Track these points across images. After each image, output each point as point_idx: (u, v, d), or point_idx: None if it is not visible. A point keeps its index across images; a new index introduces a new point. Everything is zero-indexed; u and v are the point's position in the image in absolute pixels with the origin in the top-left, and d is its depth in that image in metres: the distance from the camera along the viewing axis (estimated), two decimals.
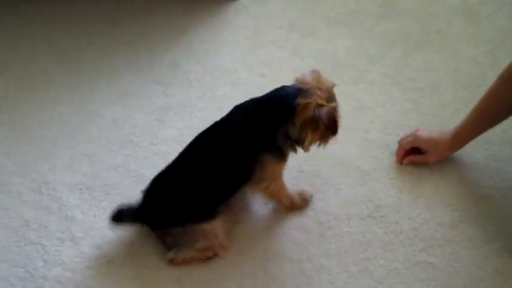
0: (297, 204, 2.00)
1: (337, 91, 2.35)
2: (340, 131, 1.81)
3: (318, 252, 1.91)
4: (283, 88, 1.84)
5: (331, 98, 1.81)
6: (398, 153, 2.12)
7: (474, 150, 2.12)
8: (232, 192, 1.93)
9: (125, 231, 1.98)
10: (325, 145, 1.89)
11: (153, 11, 2.89)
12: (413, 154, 2.09)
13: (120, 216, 1.91)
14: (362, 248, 1.89)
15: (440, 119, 2.23)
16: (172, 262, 1.87)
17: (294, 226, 1.98)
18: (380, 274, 1.83)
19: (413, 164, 2.10)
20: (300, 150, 1.88)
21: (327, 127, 1.76)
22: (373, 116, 2.28)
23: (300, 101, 1.75)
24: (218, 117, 2.27)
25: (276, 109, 1.80)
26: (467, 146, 2.05)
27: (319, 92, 1.77)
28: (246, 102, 1.90)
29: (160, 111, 2.37)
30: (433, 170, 2.09)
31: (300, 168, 2.13)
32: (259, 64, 2.51)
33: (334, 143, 2.16)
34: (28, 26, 2.87)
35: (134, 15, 2.85)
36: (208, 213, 1.85)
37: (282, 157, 1.87)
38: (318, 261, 1.89)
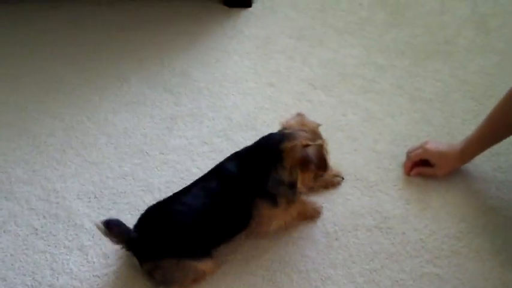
0: (308, 215, 2.02)
1: (346, 101, 2.37)
2: (328, 164, 1.84)
3: (324, 263, 1.91)
4: (269, 135, 1.87)
5: (316, 137, 1.83)
6: (406, 165, 2.12)
7: (481, 162, 2.11)
8: (230, 236, 1.94)
9: None
10: (317, 181, 1.99)
11: (163, 20, 2.91)
12: (422, 166, 2.09)
13: (110, 229, 1.85)
14: (368, 259, 1.90)
15: (449, 130, 2.23)
16: None
17: (301, 236, 1.98)
18: (386, 285, 1.83)
19: (421, 175, 2.10)
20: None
21: (316, 165, 1.78)
22: (381, 127, 2.28)
23: (286, 144, 1.78)
24: (227, 127, 2.30)
25: (264, 156, 1.82)
26: (474, 158, 2.05)
27: (303, 134, 1.80)
28: (242, 150, 1.93)
29: (170, 120, 2.38)
30: (441, 181, 2.08)
31: None
32: (268, 73, 2.52)
33: (342, 154, 2.18)
34: (38, 34, 2.89)
35: (144, 24, 2.86)
36: (205, 252, 1.86)
37: (275, 203, 1.87)
38: (325, 272, 1.89)
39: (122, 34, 2.82)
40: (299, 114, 1.93)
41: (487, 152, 2.10)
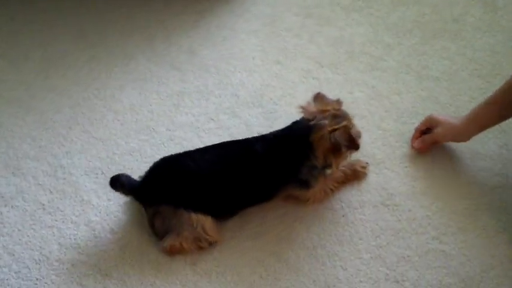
0: (351, 178, 2.06)
1: (353, 79, 2.36)
2: (360, 142, 1.88)
3: (331, 239, 1.92)
4: (294, 127, 1.92)
5: (340, 117, 1.87)
6: (414, 136, 2.14)
7: (488, 139, 2.11)
8: (237, 207, 1.98)
9: (141, 216, 2.00)
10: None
11: None
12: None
13: (116, 183, 1.93)
14: (375, 236, 1.90)
15: (456, 108, 2.23)
16: (163, 251, 1.90)
17: (308, 213, 1.99)
18: (392, 261, 1.84)
19: (424, 144, 2.10)
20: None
21: (347, 147, 1.82)
22: (388, 104, 2.27)
23: (313, 136, 1.83)
24: (234, 104, 2.30)
25: (294, 148, 1.87)
26: (481, 135, 2.04)
27: (326, 119, 1.84)
28: (268, 134, 1.97)
29: (177, 96, 2.37)
30: (447, 158, 2.08)
31: None
32: (275, 51, 2.51)
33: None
34: (46, 11, 2.88)
35: (152, 2, 2.85)
36: (206, 209, 1.88)
37: (310, 186, 1.94)
38: (331, 248, 1.90)
39: (129, 12, 2.81)
40: (318, 96, 1.95)
41: (493, 130, 2.10)
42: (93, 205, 2.06)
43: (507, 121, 2.11)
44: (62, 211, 2.05)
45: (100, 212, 2.04)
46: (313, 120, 1.85)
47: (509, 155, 2.07)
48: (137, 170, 2.12)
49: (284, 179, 1.92)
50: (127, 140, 2.24)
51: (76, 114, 2.35)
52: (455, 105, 2.23)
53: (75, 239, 1.98)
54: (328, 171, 1.95)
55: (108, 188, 2.03)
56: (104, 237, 1.98)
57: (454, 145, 2.10)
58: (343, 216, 1.97)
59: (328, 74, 2.39)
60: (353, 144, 1.82)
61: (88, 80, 2.48)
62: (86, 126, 2.30)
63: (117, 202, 2.05)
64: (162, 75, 2.46)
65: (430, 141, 2.08)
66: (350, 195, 2.02)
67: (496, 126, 2.08)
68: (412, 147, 2.12)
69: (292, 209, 2.00)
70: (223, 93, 2.37)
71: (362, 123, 2.20)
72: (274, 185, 1.93)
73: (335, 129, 1.81)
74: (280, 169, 1.89)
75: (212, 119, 2.28)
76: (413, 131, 2.13)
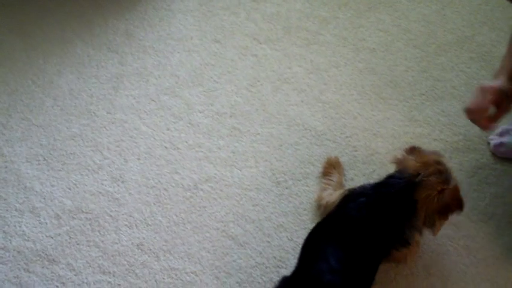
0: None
1: (291, 54, 2.38)
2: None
3: (276, 212, 1.95)
4: (393, 182, 1.67)
5: (446, 173, 1.65)
6: (483, 117, 1.74)
7: (425, 106, 2.16)
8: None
9: (85, 200, 1.99)
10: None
11: None
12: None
13: None
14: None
15: (393, 77, 2.27)
16: None
17: (253, 187, 2.01)
18: None
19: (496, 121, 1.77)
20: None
21: (454, 208, 1.67)
22: (327, 77, 2.30)
23: (419, 194, 1.62)
24: (174, 85, 2.30)
25: (396, 207, 1.64)
26: (417, 102, 2.09)
27: (434, 178, 1.63)
28: (367, 193, 1.70)
29: (116, 79, 2.36)
30: (385, 127, 2.12)
31: (256, 130, 2.15)
32: (213, 30, 2.51)
33: (289, 105, 2.21)
34: None
35: None
36: None
37: (408, 244, 1.70)
38: (277, 220, 1.93)
39: None
40: (414, 149, 1.74)
41: (430, 96, 2.16)
42: (36, 192, 2.04)
43: (444, 88, 2.17)
44: (5, 199, 2.03)
45: (44, 198, 2.02)
46: (417, 175, 1.63)
47: (446, 121, 2.13)
48: (79, 154, 2.11)
49: (391, 243, 1.69)
50: (68, 125, 2.22)
51: (15, 101, 2.31)
52: (392, 74, 2.27)
53: (20, 226, 1.96)
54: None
55: (52, 173, 2.02)
56: (50, 223, 1.97)
57: (390, 114, 2.15)
58: (286, 188, 2.00)
59: (267, 50, 2.41)
60: (459, 204, 1.66)
61: (25, 67, 2.44)
62: (26, 114, 2.27)
63: (61, 187, 2.04)
64: (100, 58, 2.44)
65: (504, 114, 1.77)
66: (293, 168, 2.04)
67: (433, 94, 2.14)
68: (486, 127, 1.77)
69: (237, 184, 2.03)
70: (162, 74, 2.36)
71: (302, 96, 2.23)
72: (383, 251, 1.69)
73: (444, 189, 1.62)
74: (386, 232, 1.65)
75: (153, 100, 2.27)
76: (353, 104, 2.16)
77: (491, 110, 1.70)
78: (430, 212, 1.63)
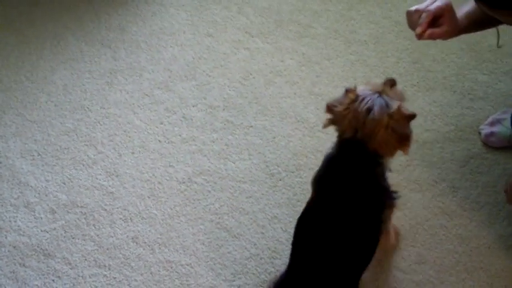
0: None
1: (283, 47, 2.39)
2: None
3: (270, 203, 1.96)
4: (344, 144, 1.55)
5: (377, 106, 1.48)
6: (426, 18, 1.67)
7: (417, 97, 2.17)
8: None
9: (80, 194, 2.01)
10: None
11: None
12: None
13: None
14: None
15: (384, 69, 2.28)
16: None
17: (247, 179, 2.02)
18: None
19: (431, 38, 1.71)
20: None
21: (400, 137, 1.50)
22: (319, 70, 2.31)
23: (372, 145, 1.48)
24: (167, 79, 2.31)
25: (360, 166, 1.54)
26: (409, 93, 2.11)
27: (370, 121, 1.47)
28: (328, 169, 1.62)
29: (109, 74, 2.37)
30: None
31: (249, 123, 2.16)
32: (205, 24, 2.52)
33: (282, 98, 2.22)
34: None
35: None
36: None
37: (392, 196, 1.63)
38: (271, 212, 1.94)
39: None
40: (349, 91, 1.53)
41: (421, 87, 2.17)
42: (31, 187, 2.05)
43: (435, 78, 2.19)
44: (0, 195, 2.04)
45: (39, 193, 2.03)
46: (355, 133, 1.49)
47: (438, 111, 2.14)
48: (73, 149, 2.13)
49: (380, 205, 1.61)
50: (62, 121, 2.23)
51: (9, 98, 2.32)
52: (383, 66, 2.29)
53: (15, 221, 1.97)
54: None
55: (46, 168, 2.03)
56: (45, 217, 1.98)
57: None
58: (280, 180, 2.01)
59: (259, 44, 2.42)
60: (411, 117, 1.49)
61: (18, 63, 2.44)
62: (20, 110, 2.28)
63: (56, 182, 2.05)
64: (94, 54, 2.45)
65: (439, 37, 1.72)
66: (286, 160, 2.06)
67: (424, 84, 2.16)
68: (422, 37, 1.69)
69: (231, 176, 2.04)
70: (155, 69, 2.37)
71: (294, 89, 2.24)
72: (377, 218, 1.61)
73: (389, 123, 1.46)
74: (372, 200, 1.57)
75: (146, 95, 2.28)
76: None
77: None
78: (393, 147, 1.50)
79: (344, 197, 1.55)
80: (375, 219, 1.59)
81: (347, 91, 1.51)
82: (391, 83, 1.55)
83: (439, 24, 1.69)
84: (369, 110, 1.46)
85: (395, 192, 1.62)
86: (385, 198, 1.61)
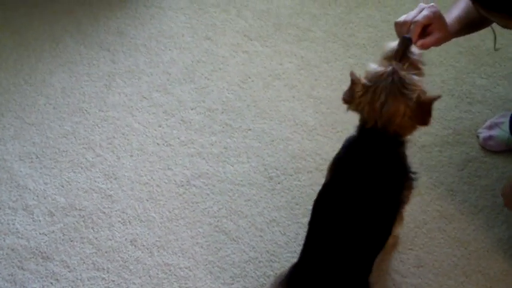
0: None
1: (281, 50, 2.39)
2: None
3: (268, 207, 1.97)
4: (365, 131, 1.52)
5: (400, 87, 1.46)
6: (416, 30, 1.64)
7: None
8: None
9: (79, 197, 2.01)
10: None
11: None
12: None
13: None
14: (311, 200, 1.92)
15: None
16: None
17: (245, 183, 2.03)
18: None
19: (423, 48, 1.66)
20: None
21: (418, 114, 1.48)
22: (318, 73, 2.32)
23: (391, 130, 1.48)
24: (166, 82, 2.31)
25: (382, 149, 1.53)
26: None
27: (385, 107, 1.46)
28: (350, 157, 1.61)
29: (107, 77, 2.37)
30: None
31: (247, 126, 2.16)
32: (204, 27, 2.52)
33: (281, 101, 2.22)
34: None
35: None
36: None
37: (411, 177, 1.63)
38: (269, 215, 1.94)
39: None
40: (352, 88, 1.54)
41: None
42: (29, 189, 2.05)
43: (433, 82, 2.19)
44: None
45: (37, 196, 2.03)
46: (374, 123, 1.48)
47: (436, 115, 2.12)
48: (72, 152, 2.13)
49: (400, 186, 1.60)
50: (60, 124, 2.23)
51: (7, 101, 2.32)
52: None
53: (13, 224, 1.97)
54: None
55: (44, 171, 2.03)
56: (43, 220, 1.98)
57: None
58: (278, 183, 2.01)
59: (258, 47, 2.42)
60: (427, 113, 1.49)
61: (17, 66, 2.44)
62: (18, 112, 2.28)
63: (54, 185, 2.05)
64: (92, 56, 2.45)
65: (432, 45, 1.69)
66: (285, 163, 2.06)
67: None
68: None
69: (230, 179, 2.04)
70: (154, 72, 2.37)
71: (293, 92, 2.25)
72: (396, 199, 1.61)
73: (407, 110, 1.46)
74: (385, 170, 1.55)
75: (145, 98, 2.28)
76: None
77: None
78: (411, 129, 1.51)
79: (365, 178, 1.53)
80: (395, 200, 1.58)
81: (352, 83, 1.52)
82: (406, 45, 1.53)
83: (428, 33, 1.67)
84: (382, 104, 1.45)
85: (415, 173, 1.61)
86: (405, 179, 1.59)
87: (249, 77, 2.32)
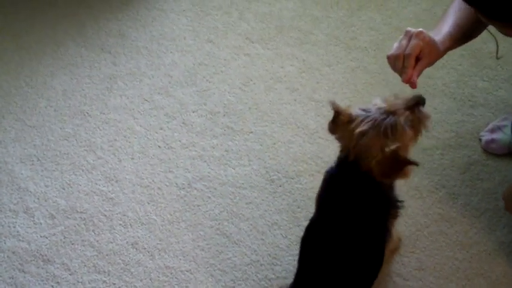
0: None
1: (283, 53, 2.39)
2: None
3: (270, 209, 1.96)
4: (342, 163, 1.54)
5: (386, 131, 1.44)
6: (410, 65, 1.62)
7: None
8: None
9: (80, 199, 2.00)
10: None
11: None
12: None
13: None
14: (312, 203, 1.93)
15: (385, 76, 2.28)
16: None
17: (246, 185, 2.02)
18: None
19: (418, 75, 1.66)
20: None
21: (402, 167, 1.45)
22: (319, 76, 2.31)
23: (363, 168, 1.45)
24: (167, 84, 2.31)
25: (361, 182, 1.49)
26: None
27: (361, 145, 1.45)
28: (335, 186, 1.60)
29: (109, 80, 2.37)
30: None
31: (249, 129, 2.16)
32: (206, 30, 2.52)
33: (282, 104, 2.22)
34: None
35: None
36: None
37: (397, 206, 1.61)
38: (271, 218, 1.94)
39: None
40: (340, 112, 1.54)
41: (422, 94, 2.16)
42: (30, 192, 2.05)
43: (435, 85, 2.19)
44: None
45: (38, 199, 2.03)
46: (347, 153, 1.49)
47: (438, 118, 2.14)
48: (74, 155, 2.13)
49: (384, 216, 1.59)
50: (61, 126, 2.23)
51: (8, 103, 2.32)
52: (383, 73, 2.28)
53: (14, 227, 1.97)
54: None
55: (45, 173, 2.02)
56: (44, 223, 1.97)
57: None
58: (280, 186, 2.01)
59: (259, 50, 2.42)
60: (397, 167, 1.44)
61: (18, 68, 2.44)
62: (19, 115, 2.28)
63: (55, 187, 2.05)
64: (93, 59, 2.45)
65: (424, 69, 1.68)
66: (286, 166, 2.06)
67: (424, 91, 2.15)
68: (413, 81, 1.65)
69: (231, 182, 2.04)
70: (156, 74, 2.37)
71: (294, 95, 2.24)
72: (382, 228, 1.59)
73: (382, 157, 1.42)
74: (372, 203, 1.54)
75: (146, 100, 2.28)
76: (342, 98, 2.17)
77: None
78: (380, 177, 1.44)
79: (348, 212, 1.53)
80: (381, 229, 1.57)
81: (336, 113, 1.53)
82: (416, 101, 1.52)
83: (419, 58, 1.64)
84: (363, 133, 1.44)
85: (401, 201, 1.59)
86: (390, 208, 1.57)
87: (251, 80, 2.32)
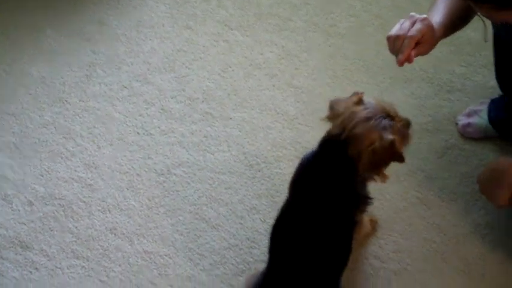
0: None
1: (262, 40, 2.39)
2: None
3: (249, 194, 1.97)
4: (327, 143, 1.57)
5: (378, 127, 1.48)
6: (409, 45, 1.61)
7: (395, 89, 2.19)
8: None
9: (58, 186, 2.00)
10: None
11: None
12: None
13: None
14: None
15: (364, 62, 2.29)
16: None
17: (225, 171, 2.03)
18: None
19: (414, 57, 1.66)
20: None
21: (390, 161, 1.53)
22: (298, 63, 2.32)
23: (351, 151, 1.48)
24: (146, 71, 2.30)
25: (338, 170, 1.53)
26: (387, 85, 2.13)
27: (361, 127, 1.47)
28: (306, 165, 1.63)
29: (88, 67, 2.36)
30: None
31: (228, 115, 2.16)
32: (185, 17, 2.51)
33: (261, 90, 2.22)
34: None
35: None
36: None
37: (367, 202, 1.65)
38: (250, 203, 1.95)
39: None
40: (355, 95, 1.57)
41: (399, 79, 2.18)
42: (8, 179, 2.04)
43: (412, 70, 2.20)
44: None
45: (16, 186, 2.02)
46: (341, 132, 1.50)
47: (416, 103, 2.15)
48: (52, 142, 2.13)
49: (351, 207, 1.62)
50: (40, 114, 2.22)
51: None
52: (363, 59, 2.29)
53: None
54: None
55: (24, 161, 2.02)
56: (22, 210, 1.97)
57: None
58: (259, 171, 2.01)
59: (238, 37, 2.42)
60: (398, 156, 1.50)
61: None
62: None
63: (34, 174, 2.04)
64: (72, 46, 2.44)
65: (421, 55, 1.69)
66: (265, 151, 2.06)
67: (401, 77, 2.17)
68: (411, 60, 1.64)
69: (210, 167, 2.04)
70: (134, 61, 2.37)
71: (273, 81, 2.25)
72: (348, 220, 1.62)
73: (374, 145, 1.46)
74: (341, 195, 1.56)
75: (125, 87, 2.28)
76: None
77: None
78: (366, 166, 1.48)
79: (318, 200, 1.56)
80: (347, 220, 1.60)
81: (354, 93, 1.56)
82: (408, 122, 1.59)
83: (419, 43, 1.64)
84: (368, 118, 1.47)
85: (371, 198, 1.64)
86: (359, 203, 1.62)
87: (230, 66, 2.32)
